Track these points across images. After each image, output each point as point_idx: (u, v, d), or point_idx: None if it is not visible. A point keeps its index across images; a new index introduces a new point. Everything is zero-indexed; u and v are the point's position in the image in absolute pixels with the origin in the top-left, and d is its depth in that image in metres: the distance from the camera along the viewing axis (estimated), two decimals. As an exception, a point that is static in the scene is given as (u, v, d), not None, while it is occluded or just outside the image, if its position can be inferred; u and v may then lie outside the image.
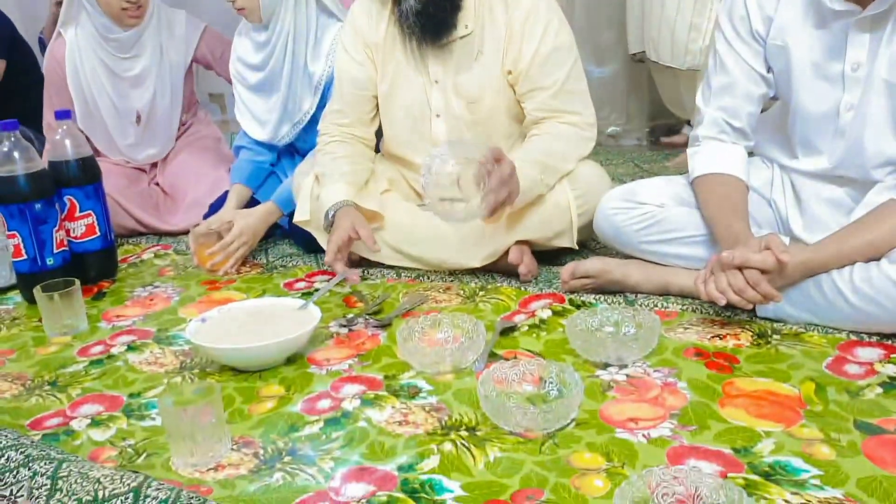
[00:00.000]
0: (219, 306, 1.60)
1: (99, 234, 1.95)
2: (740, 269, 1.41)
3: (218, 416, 1.17)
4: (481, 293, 1.77)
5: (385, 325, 1.62)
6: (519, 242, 1.81)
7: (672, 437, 1.15)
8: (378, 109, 1.97)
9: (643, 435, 1.16)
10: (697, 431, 1.16)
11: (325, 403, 1.33)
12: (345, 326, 1.63)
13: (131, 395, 1.41)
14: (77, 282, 1.70)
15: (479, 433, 1.20)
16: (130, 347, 1.61)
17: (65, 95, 2.38)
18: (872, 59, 1.47)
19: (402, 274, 1.92)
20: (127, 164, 2.52)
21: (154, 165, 2.56)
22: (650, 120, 3.42)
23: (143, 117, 2.44)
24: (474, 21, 1.79)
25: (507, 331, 1.56)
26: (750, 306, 1.45)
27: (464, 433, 1.20)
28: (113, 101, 2.39)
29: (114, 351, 1.60)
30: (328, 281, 1.71)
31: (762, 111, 1.70)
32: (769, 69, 1.62)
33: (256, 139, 2.24)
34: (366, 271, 1.96)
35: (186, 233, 2.21)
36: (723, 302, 1.42)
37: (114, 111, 2.40)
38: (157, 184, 2.55)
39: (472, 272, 1.88)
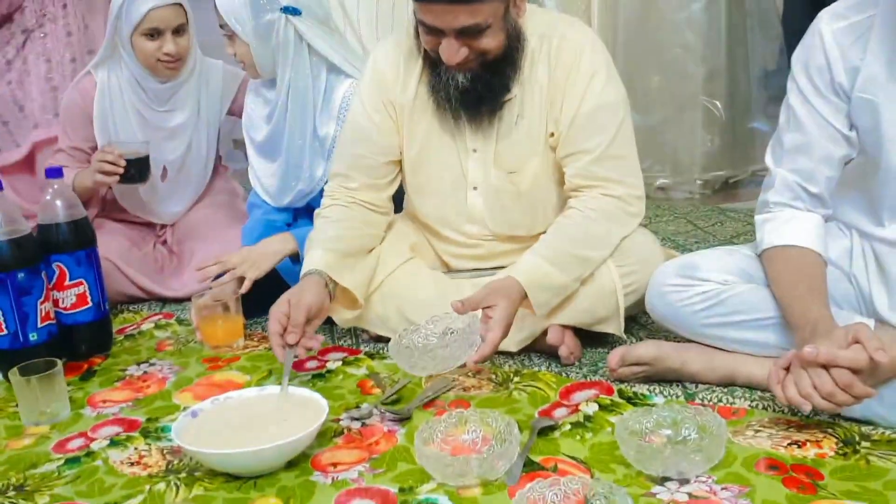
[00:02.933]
0: (213, 396, 1.45)
1: (91, 304, 1.82)
2: (825, 367, 1.22)
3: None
4: (516, 378, 1.60)
5: (404, 419, 1.46)
6: (558, 321, 1.64)
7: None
8: (397, 175, 1.81)
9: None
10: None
11: (327, 525, 1.16)
12: (357, 420, 1.47)
13: (105, 507, 1.25)
14: (59, 363, 1.56)
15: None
16: (113, 442, 1.46)
17: (82, 133, 2.27)
18: None
19: (427, 353, 1.76)
20: (135, 221, 2.40)
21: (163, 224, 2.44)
22: (703, 171, 3.24)
23: (170, 172, 2.32)
24: (518, 85, 1.64)
25: (546, 430, 1.38)
26: (840, 411, 1.26)
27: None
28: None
29: (94, 446, 1.45)
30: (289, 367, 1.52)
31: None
32: (852, 126, 1.45)
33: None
34: (385, 349, 1.80)
35: (189, 299, 2.08)
36: (808, 408, 1.23)
37: None
38: (165, 241, 2.42)
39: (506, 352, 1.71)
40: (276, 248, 1.95)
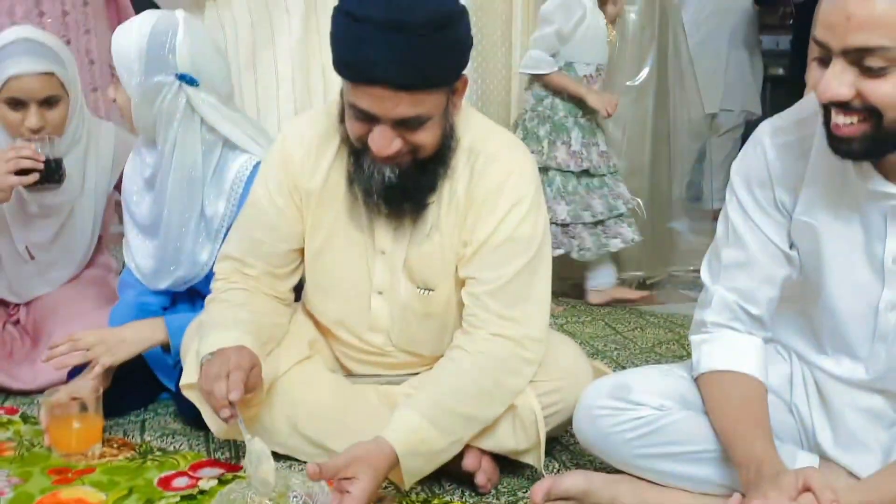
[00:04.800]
0: (62, 524, 1.30)
1: (-83, 396, 1.63)
2: None
3: None
4: (425, 508, 1.51)
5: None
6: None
7: None
8: (299, 265, 1.72)
9: None
10: None
11: None
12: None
13: None
14: None
15: None
16: (-71, 580, 1.28)
17: None
18: None
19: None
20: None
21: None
22: (620, 270, 3.26)
23: (37, 255, 2.16)
24: (440, 188, 1.58)
25: (459, 577, 1.29)
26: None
27: None
28: (9, 229, 2.11)
29: None
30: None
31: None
32: (792, 245, 1.45)
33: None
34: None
35: (43, 391, 1.90)
36: (763, 565, 1.18)
37: (5, 240, 2.13)
38: (18, 321, 2.23)
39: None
40: (140, 335, 1.83)
